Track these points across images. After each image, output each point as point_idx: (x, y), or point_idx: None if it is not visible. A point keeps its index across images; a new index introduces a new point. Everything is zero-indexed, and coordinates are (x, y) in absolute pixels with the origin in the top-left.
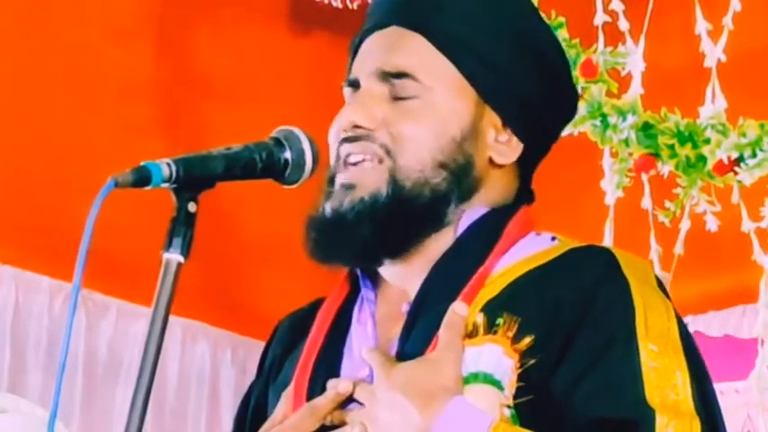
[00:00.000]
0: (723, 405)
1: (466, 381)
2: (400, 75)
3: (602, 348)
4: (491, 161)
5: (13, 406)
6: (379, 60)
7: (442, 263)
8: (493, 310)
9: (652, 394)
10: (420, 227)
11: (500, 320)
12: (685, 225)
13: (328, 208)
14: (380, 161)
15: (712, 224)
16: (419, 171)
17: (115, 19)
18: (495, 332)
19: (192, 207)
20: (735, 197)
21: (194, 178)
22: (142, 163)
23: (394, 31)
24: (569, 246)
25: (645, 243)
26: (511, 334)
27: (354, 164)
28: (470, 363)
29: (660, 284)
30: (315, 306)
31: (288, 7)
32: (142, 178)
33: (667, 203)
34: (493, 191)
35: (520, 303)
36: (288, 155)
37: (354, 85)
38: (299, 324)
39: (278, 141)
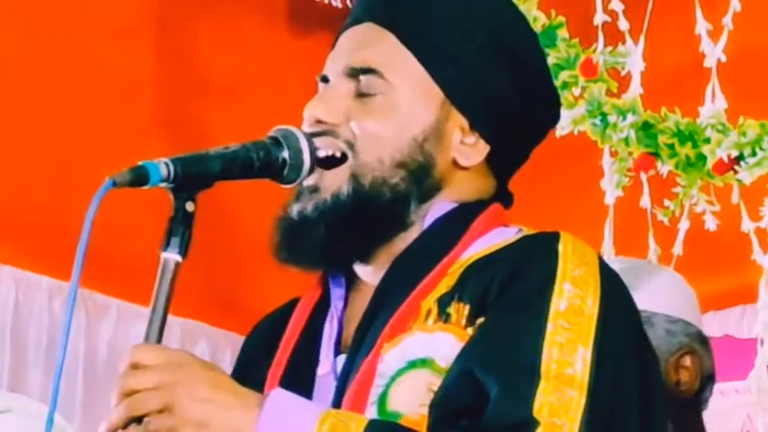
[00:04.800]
0: (723, 405)
1: (412, 365)
2: (366, 70)
3: (510, 315)
4: (455, 162)
5: (21, 406)
6: (347, 56)
7: (405, 256)
8: (446, 298)
9: (548, 365)
10: (380, 227)
11: (450, 309)
12: (684, 225)
13: (295, 211)
14: (343, 156)
15: (711, 224)
16: (377, 169)
17: (115, 19)
18: (446, 321)
19: (189, 206)
20: (734, 197)
21: (192, 178)
22: (140, 162)
23: (367, 27)
24: (526, 234)
25: (644, 243)
26: (463, 321)
27: (321, 162)
28: (420, 349)
29: (607, 271)
30: (291, 305)
31: (287, 7)
32: (140, 177)
33: (667, 203)
34: (458, 191)
35: (467, 287)
36: (285, 154)
37: (325, 80)
38: (276, 324)
39: (275, 141)
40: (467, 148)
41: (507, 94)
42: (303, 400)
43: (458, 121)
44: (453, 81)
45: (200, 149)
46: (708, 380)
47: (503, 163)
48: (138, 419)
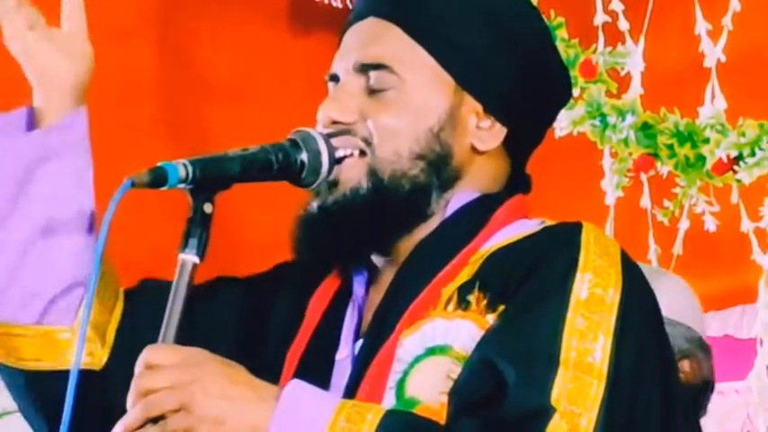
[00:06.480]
0: (723, 405)
1: (431, 352)
2: (377, 66)
3: (530, 303)
4: (473, 148)
5: None
6: (356, 54)
7: (426, 244)
8: (466, 286)
9: (567, 353)
10: (401, 219)
11: (470, 297)
12: (684, 225)
13: (315, 206)
14: (362, 154)
15: (711, 224)
16: (395, 163)
17: (116, 19)
18: (466, 308)
19: (207, 208)
20: (734, 197)
21: (211, 179)
22: (159, 163)
23: (371, 22)
24: (548, 225)
25: (644, 243)
26: (483, 309)
27: (339, 159)
28: (439, 335)
29: (629, 263)
30: (323, 271)
31: (288, 7)
32: (158, 179)
33: (666, 203)
34: (478, 177)
35: (489, 276)
36: (304, 156)
37: (335, 79)
38: (306, 284)
39: (294, 143)
40: (483, 132)
41: (516, 76)
42: (320, 392)
43: (472, 106)
44: (462, 67)
45: (202, 149)
46: (706, 386)
47: (519, 144)
48: (155, 420)
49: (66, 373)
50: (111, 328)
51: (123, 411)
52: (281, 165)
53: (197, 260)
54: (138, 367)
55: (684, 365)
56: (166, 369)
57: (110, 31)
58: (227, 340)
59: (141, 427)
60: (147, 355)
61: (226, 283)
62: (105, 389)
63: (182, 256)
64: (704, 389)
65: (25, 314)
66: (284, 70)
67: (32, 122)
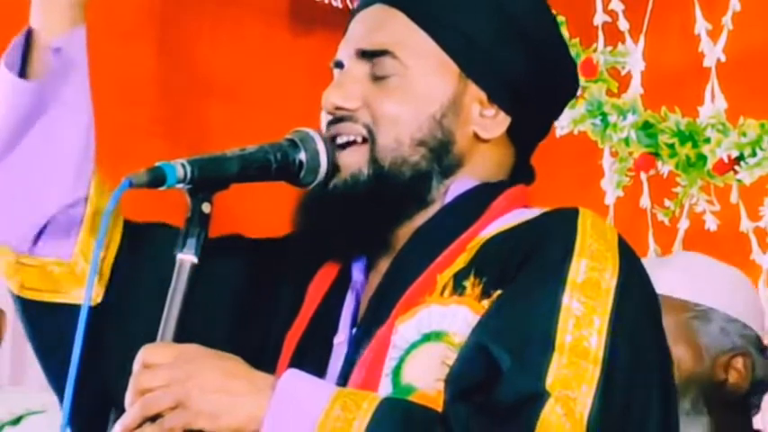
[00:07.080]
0: None
1: (427, 338)
2: (380, 52)
3: (526, 288)
4: (476, 136)
5: (55, 405)
6: (360, 40)
7: (424, 230)
8: (462, 273)
9: (563, 337)
10: (401, 206)
11: (466, 282)
12: (684, 224)
13: (315, 192)
14: (364, 140)
15: (711, 223)
16: (396, 150)
17: (116, 19)
18: (461, 293)
19: (206, 208)
20: (734, 197)
21: (209, 179)
22: (157, 163)
23: (376, 9)
24: (546, 211)
25: (644, 242)
26: (478, 294)
27: (341, 145)
28: (435, 321)
29: (626, 248)
30: (323, 255)
31: (288, 7)
32: (157, 179)
33: (667, 202)
34: (480, 166)
35: (485, 262)
36: (302, 156)
37: (339, 65)
38: (308, 271)
39: (292, 142)
40: (487, 120)
41: (521, 65)
42: (317, 380)
43: (476, 94)
44: (467, 54)
45: (202, 149)
46: (759, 386)
47: (524, 135)
48: (153, 418)
49: (60, 307)
50: (108, 263)
51: (114, 351)
52: (279, 165)
53: (195, 260)
54: (136, 366)
55: (738, 363)
56: (162, 367)
57: (110, 31)
58: (230, 303)
59: (140, 426)
60: (144, 354)
61: (236, 242)
62: (99, 325)
63: (180, 255)
64: (758, 388)
65: (16, 239)
66: (284, 70)
67: (29, 46)
